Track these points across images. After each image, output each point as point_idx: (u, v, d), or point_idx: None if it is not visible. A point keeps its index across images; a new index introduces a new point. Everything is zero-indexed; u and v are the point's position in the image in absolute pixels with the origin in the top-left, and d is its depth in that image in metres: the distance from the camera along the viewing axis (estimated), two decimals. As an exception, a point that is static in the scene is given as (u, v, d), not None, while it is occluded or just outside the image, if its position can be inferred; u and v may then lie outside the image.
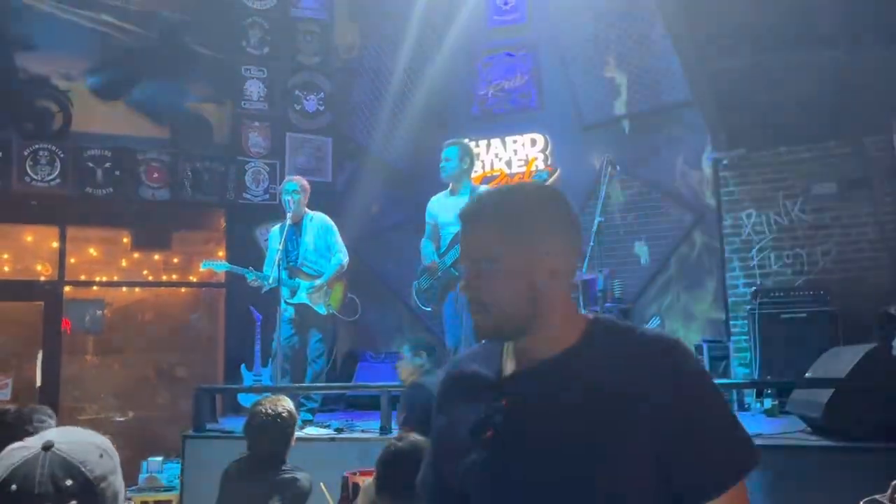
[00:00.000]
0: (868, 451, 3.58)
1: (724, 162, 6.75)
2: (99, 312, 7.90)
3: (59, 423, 7.34)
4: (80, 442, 1.34)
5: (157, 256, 8.15)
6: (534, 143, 7.94)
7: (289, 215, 5.49)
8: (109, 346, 8.10)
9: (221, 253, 7.60)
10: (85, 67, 7.40)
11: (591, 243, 5.45)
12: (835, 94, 5.42)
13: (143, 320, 8.39)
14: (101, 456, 1.33)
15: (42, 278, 7.59)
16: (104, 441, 1.39)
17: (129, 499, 5.36)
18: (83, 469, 1.28)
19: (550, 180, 7.40)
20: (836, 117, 5.88)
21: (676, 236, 7.24)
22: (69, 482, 1.25)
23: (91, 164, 7.24)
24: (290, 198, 5.53)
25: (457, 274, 5.03)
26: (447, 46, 8.23)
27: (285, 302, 5.42)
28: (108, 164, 7.27)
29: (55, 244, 7.50)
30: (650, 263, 7.31)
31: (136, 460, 6.36)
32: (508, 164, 8.02)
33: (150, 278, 8.26)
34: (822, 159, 6.41)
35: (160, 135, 7.62)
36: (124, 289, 8.27)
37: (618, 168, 6.25)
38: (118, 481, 1.35)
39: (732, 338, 6.51)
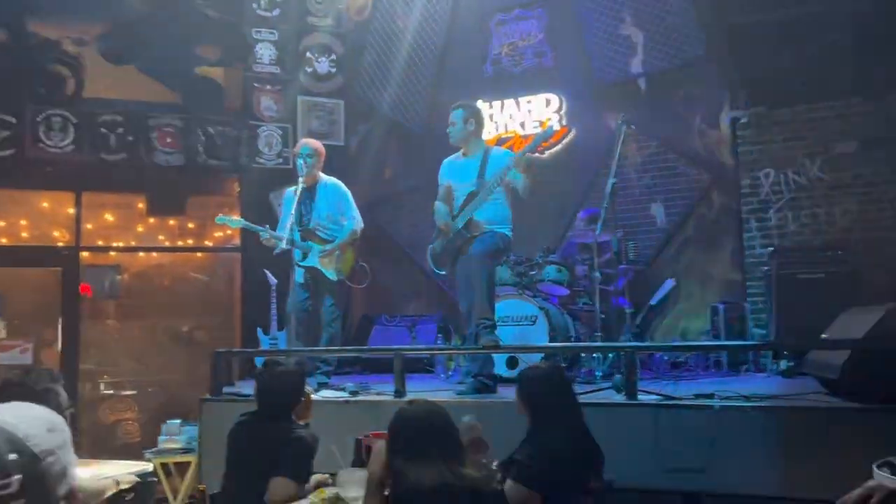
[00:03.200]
0: (884, 412, 3.55)
1: (743, 120, 6.63)
2: (117, 277, 7.96)
3: (82, 388, 7.47)
4: (27, 417, 1.33)
5: (172, 222, 8.17)
6: (548, 103, 7.83)
7: (301, 178, 5.47)
8: (128, 310, 8.17)
9: (236, 217, 7.59)
10: (96, 32, 7.36)
11: (605, 205, 5.39)
12: (857, 49, 5.28)
13: (161, 285, 8.44)
14: (50, 431, 1.32)
15: (59, 244, 7.64)
16: (54, 417, 1.38)
17: (149, 460, 5.44)
18: (28, 444, 1.27)
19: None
20: (858, 74, 5.74)
21: (693, 197, 7.15)
22: (13, 456, 1.24)
23: (104, 130, 7.23)
24: (303, 161, 5.50)
25: (469, 236, 5.00)
26: (459, 4, 8.10)
27: (297, 264, 5.42)
28: (120, 130, 7.26)
29: (71, 210, 7.55)
30: (666, 224, 7.24)
31: (155, 423, 6.45)
32: (522, 125, 7.93)
33: (167, 243, 8.29)
34: (844, 117, 6.28)
35: (172, 100, 7.59)
36: (141, 254, 8.31)
37: (633, 128, 6.14)
38: (67, 457, 1.34)
39: (749, 299, 6.47)
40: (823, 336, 4.44)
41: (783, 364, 5.39)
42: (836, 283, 5.62)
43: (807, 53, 5.31)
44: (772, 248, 6.26)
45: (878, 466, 2.41)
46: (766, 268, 6.12)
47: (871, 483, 2.45)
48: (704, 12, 5.72)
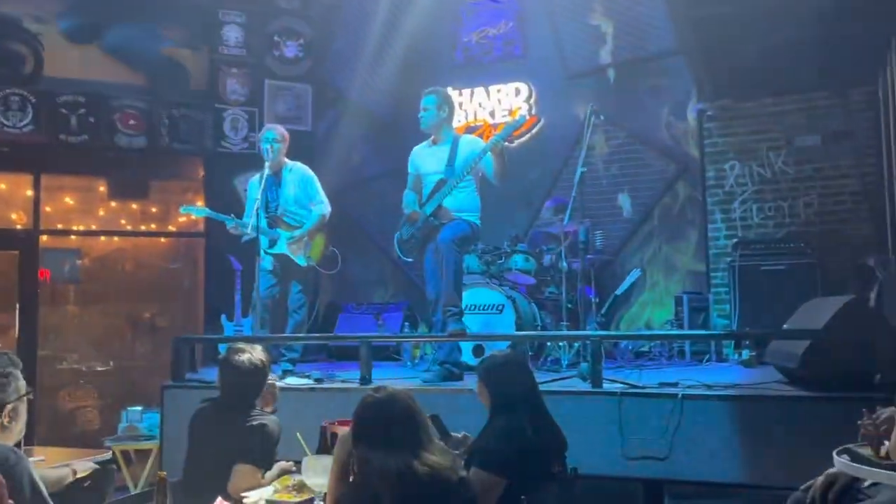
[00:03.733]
0: (842, 401, 3.61)
1: (709, 113, 6.70)
2: (77, 262, 7.81)
3: (39, 375, 7.32)
4: None
5: (134, 205, 8.03)
6: (518, 92, 7.83)
7: (267, 164, 5.40)
8: (88, 296, 8.02)
9: (200, 202, 7.49)
10: (57, 10, 7.18)
11: (574, 194, 5.41)
12: (821, 44, 5.34)
13: (122, 270, 8.30)
14: None
15: (17, 227, 7.46)
16: None
17: (109, 448, 5.36)
18: None
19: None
20: (822, 68, 5.82)
21: (660, 188, 7.22)
22: None
23: (64, 111, 7.07)
24: (269, 146, 5.42)
25: (437, 224, 4.99)
26: (430, -10, 8.04)
27: (264, 251, 5.35)
28: (82, 111, 7.10)
29: (29, 192, 7.37)
30: (633, 215, 7.29)
31: (115, 410, 6.35)
32: (492, 113, 7.92)
33: (129, 228, 8.15)
34: (807, 111, 6.38)
35: (135, 81, 7.43)
36: (102, 238, 8.16)
37: (602, 118, 6.17)
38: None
39: (712, 289, 6.55)
40: (785, 326, 4.52)
41: (745, 354, 5.47)
42: (797, 275, 5.72)
43: (772, 47, 5.35)
44: (736, 240, 6.34)
45: (839, 454, 2.45)
46: (729, 259, 6.20)
47: (831, 470, 2.50)
48: (674, 3, 5.74)
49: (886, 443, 2.26)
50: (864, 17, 5.00)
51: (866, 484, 2.40)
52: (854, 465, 2.32)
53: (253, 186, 5.52)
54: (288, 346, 5.53)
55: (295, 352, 5.54)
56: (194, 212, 5.98)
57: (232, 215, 5.45)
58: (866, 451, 2.37)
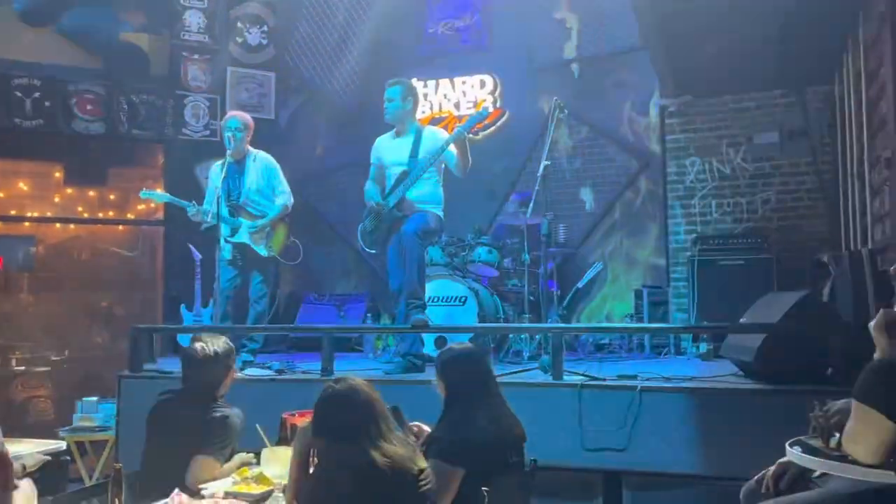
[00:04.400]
0: (795, 393, 3.69)
1: (671, 109, 6.78)
2: (31, 249, 7.63)
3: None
4: None
5: (91, 192, 7.87)
6: (483, 84, 7.84)
7: (230, 152, 5.33)
8: (43, 284, 7.85)
9: (160, 190, 7.36)
10: (12, -10, 6.99)
11: (537, 187, 5.43)
12: (780, 43, 5.43)
13: (79, 258, 8.13)
14: None
15: (-31, 213, 7.27)
16: None
17: (63, 439, 5.26)
18: None
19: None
20: (780, 67, 5.92)
21: (622, 182, 7.29)
22: None
23: (19, 94, 6.89)
24: (231, 135, 5.34)
25: (400, 216, 4.97)
26: (396, -21, 7.99)
27: (225, 240, 5.27)
28: (37, 94, 6.92)
29: (-18, 177, 7.19)
30: (595, 209, 7.36)
31: (70, 400, 6.23)
32: (457, 105, 7.92)
33: (86, 215, 7.98)
34: (766, 108, 6.49)
35: (93, 65, 7.26)
36: (58, 225, 7.98)
37: (566, 112, 6.20)
38: None
39: (672, 283, 6.64)
40: (741, 321, 4.60)
41: (702, 347, 5.56)
42: (754, 270, 5.82)
43: (733, 45, 5.43)
44: (695, 235, 6.44)
45: (791, 445, 2.51)
46: (688, 254, 6.29)
47: (783, 459, 2.57)
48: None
49: (837, 434, 2.32)
50: (821, 18, 5.09)
51: (816, 474, 2.46)
52: (806, 456, 2.38)
53: (215, 174, 5.44)
54: (249, 336, 5.48)
55: (256, 342, 5.49)
56: (155, 196, 5.85)
57: (193, 202, 5.36)
58: (817, 443, 2.43)
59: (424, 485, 2.34)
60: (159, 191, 7.23)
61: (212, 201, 5.27)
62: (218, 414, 3.03)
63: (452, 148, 4.91)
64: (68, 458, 5.09)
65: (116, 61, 7.29)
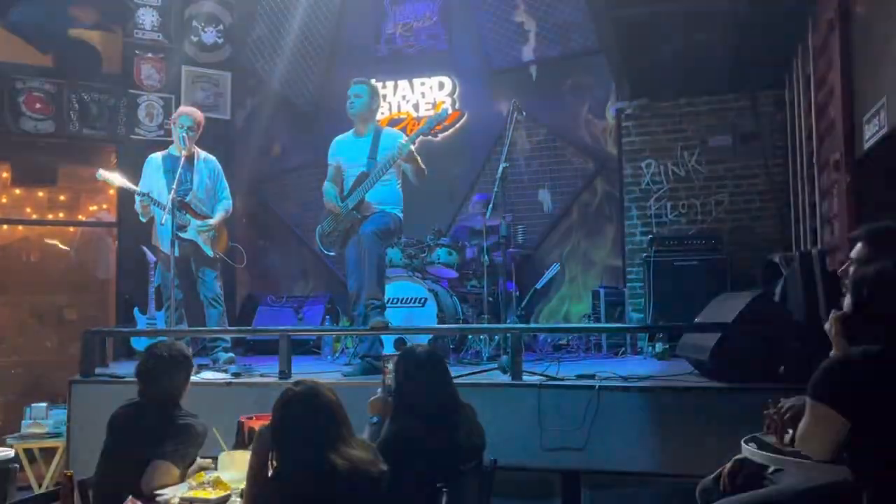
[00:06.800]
0: (749, 391, 3.76)
1: (627, 111, 6.85)
2: (-24, 251, 7.41)
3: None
4: None
5: (41, 193, 7.66)
6: (442, 86, 7.84)
7: (182, 150, 5.23)
8: (-10, 286, 7.62)
9: (112, 191, 7.21)
10: (-45, -17, 6.77)
11: (496, 189, 5.46)
12: (733, 48, 5.54)
13: (28, 260, 7.91)
14: None
15: (-89, 214, 7.02)
16: None
17: (11, 446, 5.11)
18: None
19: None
20: (733, 71, 6.03)
21: (579, 184, 7.36)
22: None
23: (-37, 91, 6.68)
24: (185, 133, 5.24)
25: (359, 217, 4.95)
26: (354, -20, 7.96)
27: (177, 235, 5.08)
28: (-18, 91, 6.72)
29: (-76, 177, 6.95)
30: (553, 210, 7.41)
31: (19, 406, 6.05)
32: (416, 106, 7.91)
33: (34, 216, 7.77)
34: (719, 112, 6.61)
35: (42, 62, 7.06)
36: (5, 227, 7.75)
37: (524, 114, 6.26)
38: None
39: (628, 284, 6.72)
40: (696, 320, 4.68)
41: (658, 347, 5.63)
42: (708, 270, 5.93)
43: (687, 49, 5.52)
44: (651, 236, 6.52)
45: (746, 441, 2.56)
46: (644, 254, 6.37)
47: (739, 457, 2.61)
48: (594, 3, 5.84)
49: (790, 431, 2.37)
50: (773, 24, 5.21)
51: (771, 470, 2.51)
52: (760, 452, 2.42)
53: (154, 166, 5.31)
54: (207, 339, 5.38)
55: (226, 340, 5.40)
56: (109, 179, 5.53)
57: (148, 193, 5.20)
58: (771, 440, 2.48)
59: (385, 487, 2.32)
60: (111, 192, 7.10)
61: (157, 191, 5.15)
62: (181, 421, 2.97)
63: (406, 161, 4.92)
64: (16, 465, 4.94)
65: (67, 59, 7.11)
